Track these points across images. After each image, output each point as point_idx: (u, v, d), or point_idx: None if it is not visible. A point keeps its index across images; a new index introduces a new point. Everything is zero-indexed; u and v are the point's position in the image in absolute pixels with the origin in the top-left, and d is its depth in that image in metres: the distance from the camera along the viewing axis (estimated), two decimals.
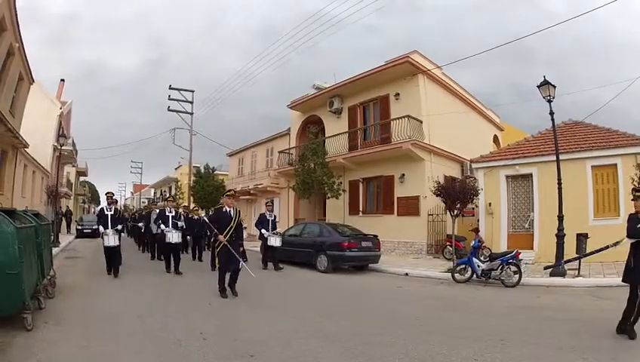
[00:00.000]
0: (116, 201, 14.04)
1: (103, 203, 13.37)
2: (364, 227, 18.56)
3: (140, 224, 21.45)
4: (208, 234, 15.83)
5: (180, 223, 14.50)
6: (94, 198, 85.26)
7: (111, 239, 12.10)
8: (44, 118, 30.21)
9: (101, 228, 12.44)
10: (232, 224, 9.83)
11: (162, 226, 13.99)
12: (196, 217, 19.26)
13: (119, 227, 12.75)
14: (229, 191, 11.12)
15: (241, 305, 8.69)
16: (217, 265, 9.86)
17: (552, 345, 6.21)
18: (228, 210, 10.08)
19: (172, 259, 13.58)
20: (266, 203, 17.45)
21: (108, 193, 13.04)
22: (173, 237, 13.51)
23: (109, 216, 12.45)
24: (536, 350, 5.97)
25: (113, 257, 12.39)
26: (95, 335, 6.30)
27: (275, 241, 15.62)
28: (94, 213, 63.28)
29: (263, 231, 15.84)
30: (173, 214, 14.38)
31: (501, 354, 5.75)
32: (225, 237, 9.61)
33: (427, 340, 6.40)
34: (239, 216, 10.24)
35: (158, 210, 16.25)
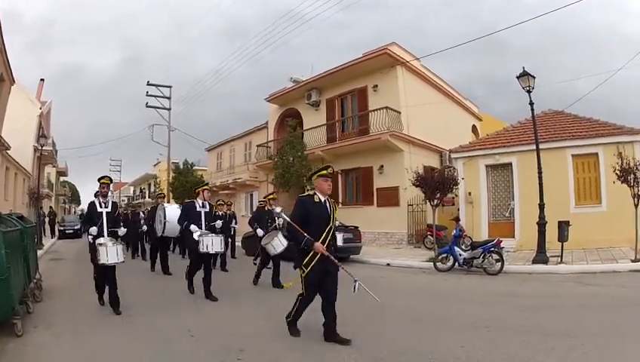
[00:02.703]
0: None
1: (94, 196, 8.73)
2: (344, 218, 18.22)
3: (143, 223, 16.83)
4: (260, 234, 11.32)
5: (217, 224, 10.18)
6: (75, 198, 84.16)
7: (111, 253, 7.51)
8: (24, 118, 29.34)
9: (93, 232, 7.74)
10: (330, 224, 5.89)
11: (192, 228, 9.20)
12: (220, 213, 15.01)
13: (122, 231, 8.21)
14: (325, 168, 6.12)
15: (228, 302, 8.51)
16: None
17: (537, 330, 6.15)
18: (322, 199, 5.93)
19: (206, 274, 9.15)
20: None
21: (102, 178, 8.20)
22: (214, 244, 9.10)
23: (104, 215, 7.92)
24: (521, 336, 5.89)
25: (110, 281, 7.75)
26: (85, 337, 6.19)
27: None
28: (75, 213, 62.16)
29: None
30: (207, 210, 9.65)
31: (486, 341, 5.71)
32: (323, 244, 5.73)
33: (412, 329, 6.38)
34: (336, 210, 6.23)
35: (183, 204, 10.81)
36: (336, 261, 5.81)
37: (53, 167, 46.98)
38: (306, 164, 22.31)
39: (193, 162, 35.66)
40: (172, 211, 12.09)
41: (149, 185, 52.87)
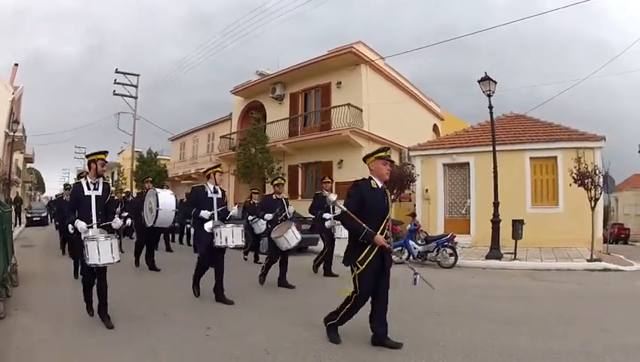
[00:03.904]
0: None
1: (77, 177, 6.85)
2: (303, 210, 17.83)
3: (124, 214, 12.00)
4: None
5: (233, 211, 8.84)
6: (40, 185, 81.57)
7: (104, 250, 5.56)
8: None
9: (80, 225, 5.75)
10: (388, 213, 5.07)
11: (204, 213, 7.36)
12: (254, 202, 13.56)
13: (116, 223, 6.10)
14: (383, 149, 5.28)
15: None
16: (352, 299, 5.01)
17: (486, 318, 6.31)
18: (379, 185, 5.04)
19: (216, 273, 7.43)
20: (323, 179, 11.58)
21: (95, 155, 6.25)
22: (234, 236, 7.32)
23: (93, 199, 5.94)
24: (470, 322, 6.04)
25: (100, 287, 5.90)
26: (65, 319, 6.12)
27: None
28: (39, 200, 59.97)
29: (326, 215, 10.40)
30: (220, 196, 7.71)
31: (434, 324, 5.93)
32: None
33: (361, 314, 5.90)
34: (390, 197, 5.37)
35: (193, 190, 8.25)
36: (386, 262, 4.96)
37: (21, 153, 45.24)
38: (268, 157, 22.07)
39: (157, 151, 34.86)
40: (166, 198, 9.85)
41: (113, 173, 51.48)
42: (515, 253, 12.42)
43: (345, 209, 4.84)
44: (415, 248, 12.30)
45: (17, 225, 27.95)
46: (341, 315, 5.02)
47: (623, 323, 6.11)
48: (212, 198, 7.53)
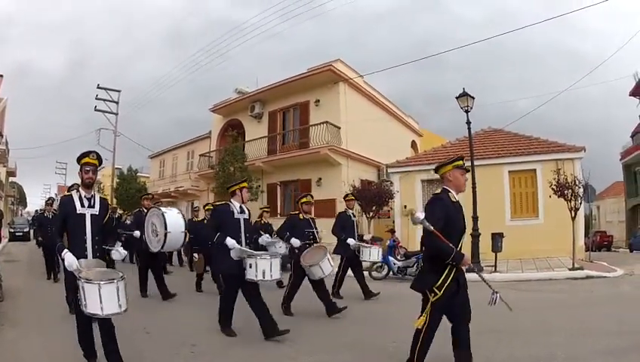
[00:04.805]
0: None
1: (67, 190, 5.31)
2: None
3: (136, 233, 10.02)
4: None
5: (266, 237, 8.25)
6: (22, 200, 79.81)
7: (107, 295, 4.05)
8: None
9: (69, 261, 4.25)
10: (465, 229, 4.56)
11: (230, 242, 5.97)
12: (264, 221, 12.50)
13: (118, 255, 4.89)
14: (460, 158, 4.48)
15: (178, 304, 8.73)
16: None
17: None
18: (456, 198, 4.34)
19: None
20: (346, 196, 10.63)
21: (86, 156, 4.62)
22: (273, 269, 6.01)
23: (89, 219, 4.55)
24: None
25: (107, 336, 4.51)
26: (51, 334, 6.13)
27: (374, 254, 9.91)
28: (21, 214, 58.72)
29: (350, 241, 9.40)
30: (247, 216, 6.45)
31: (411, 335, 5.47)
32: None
33: (351, 327, 6.77)
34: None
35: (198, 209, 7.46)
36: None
37: (4, 166, 44.27)
38: (247, 175, 21.24)
39: (137, 169, 34.41)
40: (173, 218, 8.24)
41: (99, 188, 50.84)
42: (495, 266, 12.41)
43: (432, 228, 3.98)
44: (395, 264, 12.38)
45: None
46: (417, 355, 4.29)
47: (607, 327, 6.15)
48: (239, 220, 6.29)
